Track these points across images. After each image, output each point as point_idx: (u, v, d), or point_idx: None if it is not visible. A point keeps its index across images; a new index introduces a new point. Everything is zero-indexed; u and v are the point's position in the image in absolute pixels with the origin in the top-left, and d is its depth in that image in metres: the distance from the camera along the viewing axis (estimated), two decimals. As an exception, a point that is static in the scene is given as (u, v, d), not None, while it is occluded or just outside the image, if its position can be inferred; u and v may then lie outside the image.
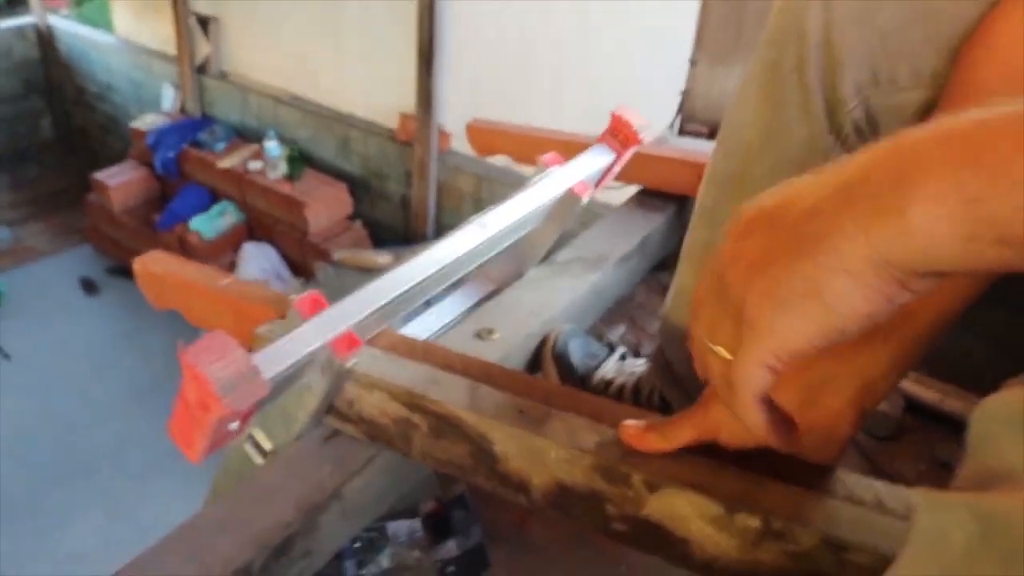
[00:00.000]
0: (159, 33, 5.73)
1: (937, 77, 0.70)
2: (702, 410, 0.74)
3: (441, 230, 4.69)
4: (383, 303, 0.89)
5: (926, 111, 0.71)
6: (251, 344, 1.05)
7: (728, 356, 0.54)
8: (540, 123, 4.07)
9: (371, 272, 4.48)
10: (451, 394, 0.86)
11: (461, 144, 4.43)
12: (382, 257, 4.39)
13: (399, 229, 4.90)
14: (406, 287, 0.91)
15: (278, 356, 0.79)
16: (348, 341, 0.84)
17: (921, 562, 0.44)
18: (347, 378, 0.90)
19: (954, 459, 1.15)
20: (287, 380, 0.82)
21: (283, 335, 0.81)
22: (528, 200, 1.08)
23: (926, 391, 1.25)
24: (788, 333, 0.49)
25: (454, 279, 1.04)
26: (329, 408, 0.93)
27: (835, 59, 0.76)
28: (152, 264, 1.15)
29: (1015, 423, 0.41)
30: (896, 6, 0.71)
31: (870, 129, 0.77)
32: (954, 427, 1.20)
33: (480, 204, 4.41)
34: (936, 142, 0.43)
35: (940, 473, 1.16)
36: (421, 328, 1.16)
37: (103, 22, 6.37)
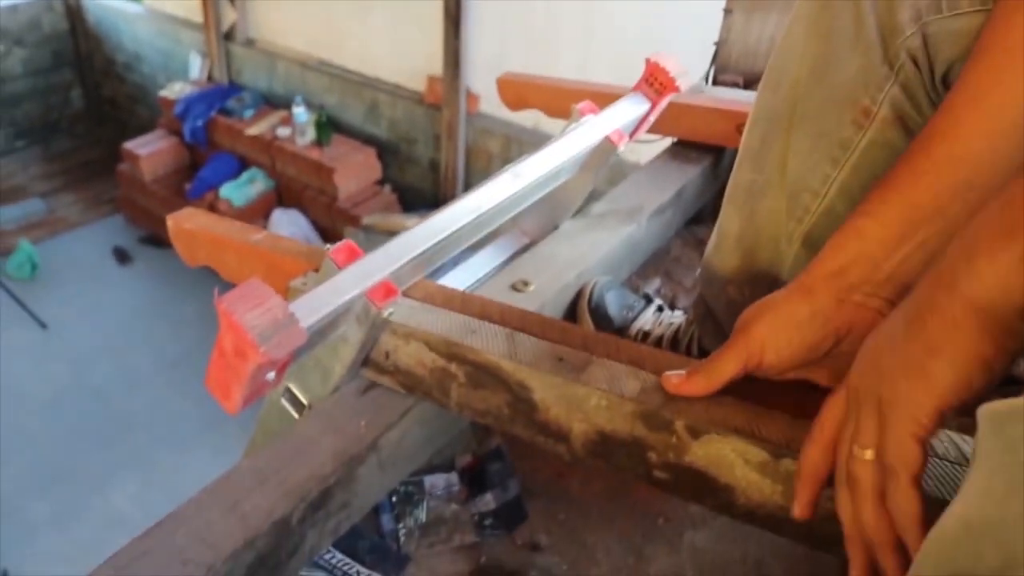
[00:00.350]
0: (185, 1, 5.73)
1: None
2: (743, 337, 0.73)
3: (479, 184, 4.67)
4: (419, 252, 0.88)
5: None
6: (286, 296, 1.05)
7: (871, 457, 0.59)
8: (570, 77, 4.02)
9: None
10: (489, 343, 0.85)
11: (489, 106, 4.39)
12: (411, 221, 4.34)
13: (428, 193, 4.88)
14: (441, 236, 0.90)
15: (315, 305, 0.78)
16: (385, 290, 0.82)
17: (987, 482, 0.43)
18: (383, 328, 0.89)
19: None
20: (324, 330, 0.81)
21: (319, 285, 0.81)
22: (563, 149, 1.06)
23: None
24: (924, 396, 0.55)
25: (489, 229, 1.02)
26: (365, 360, 0.92)
27: None
28: (185, 221, 1.15)
29: None
30: None
31: (926, 57, 0.74)
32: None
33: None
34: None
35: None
36: (456, 282, 1.14)
37: (128, -7, 6.38)
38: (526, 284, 1.09)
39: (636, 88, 1.21)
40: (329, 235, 4.86)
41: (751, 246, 0.93)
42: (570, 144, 1.07)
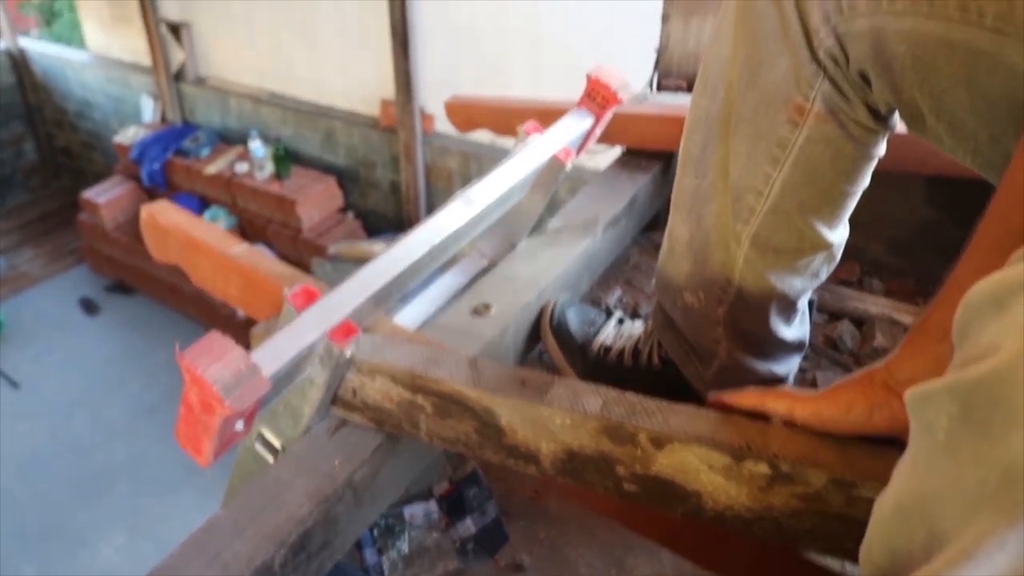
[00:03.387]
0: (132, 45, 5.70)
1: (895, 3, 0.69)
2: (811, 402, 0.79)
3: (432, 212, 4.68)
4: (377, 288, 0.89)
5: (888, 39, 0.71)
6: (249, 339, 1.05)
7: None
8: (520, 92, 4.05)
9: (367, 261, 4.47)
10: (452, 372, 0.87)
11: (445, 125, 4.41)
12: (377, 246, 4.39)
13: (392, 216, 4.89)
14: (398, 271, 0.91)
15: (277, 351, 0.79)
16: (345, 330, 0.84)
17: (913, 463, 0.46)
18: (348, 367, 0.90)
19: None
20: (289, 374, 0.82)
21: (280, 330, 0.82)
22: (511, 171, 1.08)
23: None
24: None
25: (445, 258, 1.04)
26: (334, 399, 0.93)
27: None
28: (160, 215, 1.12)
29: (992, 301, 0.43)
30: None
31: (843, 55, 0.76)
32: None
33: (469, 182, 4.38)
34: None
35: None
36: (418, 309, 1.16)
37: (74, 39, 6.34)
38: (487, 307, 1.10)
39: (580, 104, 1.23)
40: (296, 267, 4.83)
41: (701, 250, 0.95)
42: (518, 166, 1.08)
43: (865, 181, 0.87)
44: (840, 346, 1.28)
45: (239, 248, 1.07)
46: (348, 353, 0.85)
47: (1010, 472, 0.38)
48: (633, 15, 3.45)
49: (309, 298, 0.85)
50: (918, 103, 0.72)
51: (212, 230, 1.10)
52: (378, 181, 4.85)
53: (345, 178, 4.95)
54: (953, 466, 0.42)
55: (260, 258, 1.05)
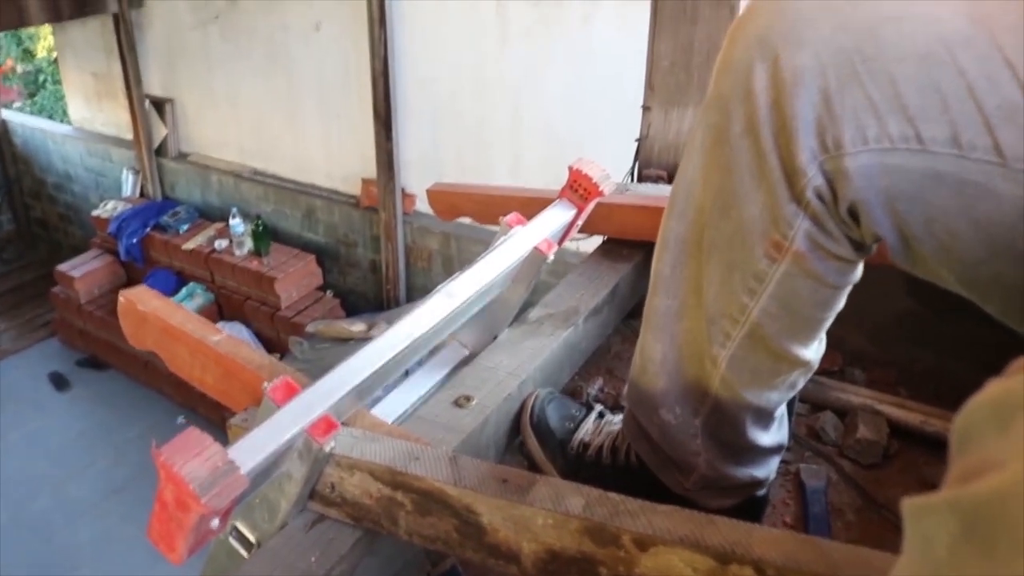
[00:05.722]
0: (114, 119, 5.75)
1: (881, 141, 0.69)
2: None
3: (412, 292, 4.69)
4: (357, 383, 0.89)
5: (876, 175, 0.71)
6: (227, 429, 1.03)
7: None
8: (501, 175, 4.11)
9: (347, 342, 4.46)
10: (433, 469, 0.86)
11: (426, 204, 4.45)
12: (356, 326, 4.37)
13: (371, 295, 4.89)
14: (378, 365, 0.91)
15: (255, 447, 0.78)
16: (325, 425, 0.83)
17: (912, 572, 0.45)
18: (327, 462, 0.89)
19: (942, 480, 1.15)
20: (266, 471, 0.81)
21: (259, 424, 0.80)
22: (493, 264, 1.08)
23: (908, 414, 1.26)
24: None
25: (426, 350, 1.03)
26: (311, 493, 0.92)
27: (787, 124, 0.74)
28: (138, 301, 1.10)
29: (993, 415, 0.42)
30: (837, 66, 0.71)
31: (831, 193, 0.74)
32: (939, 447, 1.21)
33: (449, 262, 4.42)
34: None
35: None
36: (399, 400, 1.15)
37: (57, 111, 6.38)
38: (468, 399, 1.09)
39: (561, 195, 1.24)
40: (274, 345, 4.82)
41: (675, 367, 0.94)
42: (500, 258, 1.09)
43: (842, 304, 0.87)
44: (823, 437, 1.27)
45: (218, 336, 1.06)
46: (328, 448, 0.83)
47: None
48: (614, 106, 3.53)
49: (289, 392, 0.84)
50: (905, 233, 0.72)
51: (190, 317, 1.09)
52: (358, 260, 4.87)
53: (325, 256, 4.96)
54: None
55: (239, 347, 1.04)
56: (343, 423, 0.91)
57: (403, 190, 4.48)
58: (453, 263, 4.39)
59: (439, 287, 1.02)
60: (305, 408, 0.83)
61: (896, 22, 0.69)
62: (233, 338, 1.07)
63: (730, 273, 0.85)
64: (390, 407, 1.13)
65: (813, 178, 0.74)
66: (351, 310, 4.92)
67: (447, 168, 4.34)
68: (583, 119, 3.77)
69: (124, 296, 1.12)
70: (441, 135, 4.32)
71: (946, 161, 0.68)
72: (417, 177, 4.44)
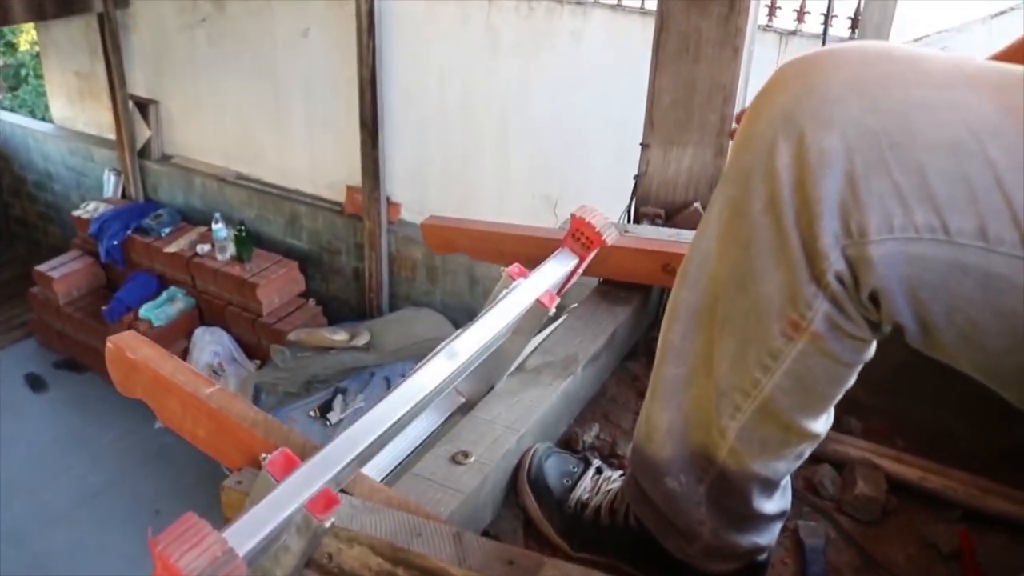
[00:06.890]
0: (97, 119, 5.68)
1: (907, 231, 0.68)
2: None
3: (395, 301, 4.66)
4: (358, 452, 0.86)
5: (900, 263, 0.70)
6: (232, 461, 1.00)
7: None
8: (488, 187, 4.09)
9: (328, 351, 4.42)
10: (436, 546, 0.83)
11: (411, 213, 4.43)
12: (337, 334, 4.34)
13: (354, 303, 4.86)
14: (379, 432, 0.88)
15: (254, 527, 0.75)
16: (325, 500, 0.80)
17: None
18: (326, 534, 0.86)
19: (940, 540, 1.14)
20: (264, 548, 0.78)
21: (256, 502, 0.78)
22: (495, 319, 1.06)
23: (907, 469, 1.25)
24: None
25: (425, 410, 1.01)
26: (308, 563, 0.89)
27: (810, 205, 0.72)
28: (128, 348, 1.06)
29: None
30: (865, 150, 0.69)
31: (852, 278, 0.73)
32: (938, 505, 1.19)
33: (434, 272, 4.39)
34: None
35: (929, 554, 1.15)
36: (393, 450, 1.12)
37: (39, 107, 6.29)
38: (466, 456, 1.07)
39: (563, 243, 1.22)
40: (254, 351, 4.77)
41: (682, 435, 0.93)
42: (502, 313, 1.07)
43: (853, 379, 0.86)
44: (821, 491, 1.26)
45: (210, 389, 1.03)
46: (327, 524, 0.81)
47: None
48: (600, 117, 3.51)
49: (288, 465, 0.81)
50: (926, 321, 0.71)
51: (182, 368, 1.06)
52: (341, 268, 4.83)
53: (308, 263, 4.92)
54: None
55: (232, 402, 1.01)
56: (342, 490, 0.88)
57: (388, 199, 4.45)
58: (438, 274, 4.36)
59: (441, 346, 0.99)
60: (304, 482, 0.80)
61: (927, 110, 0.68)
62: (226, 391, 1.04)
63: (744, 348, 0.84)
64: (384, 459, 1.10)
65: (835, 262, 0.73)
66: (333, 318, 4.89)
67: (433, 177, 4.31)
68: (570, 130, 3.75)
69: (113, 343, 1.09)
70: (428, 144, 4.30)
71: (972, 253, 0.66)
72: (402, 186, 4.41)
